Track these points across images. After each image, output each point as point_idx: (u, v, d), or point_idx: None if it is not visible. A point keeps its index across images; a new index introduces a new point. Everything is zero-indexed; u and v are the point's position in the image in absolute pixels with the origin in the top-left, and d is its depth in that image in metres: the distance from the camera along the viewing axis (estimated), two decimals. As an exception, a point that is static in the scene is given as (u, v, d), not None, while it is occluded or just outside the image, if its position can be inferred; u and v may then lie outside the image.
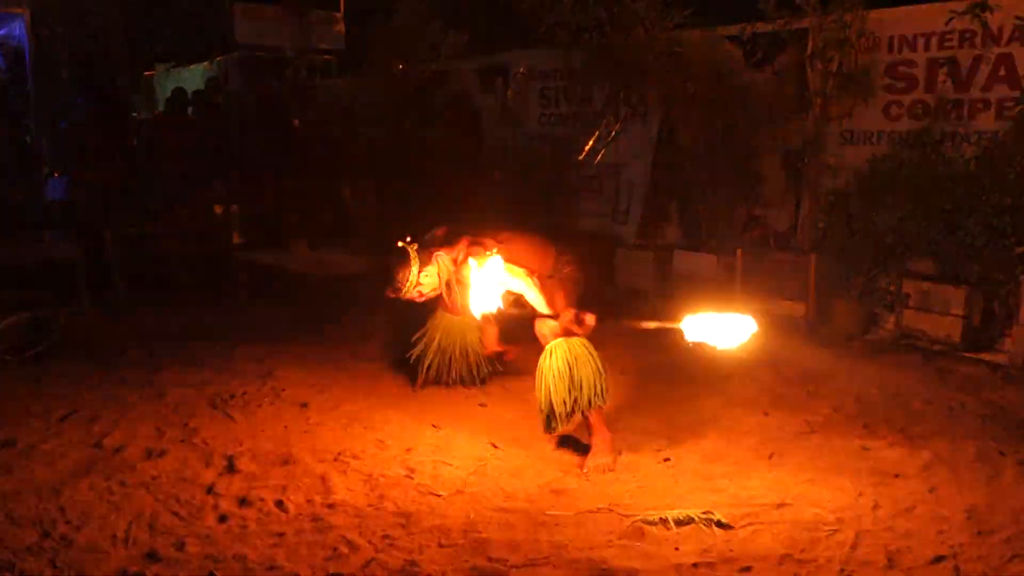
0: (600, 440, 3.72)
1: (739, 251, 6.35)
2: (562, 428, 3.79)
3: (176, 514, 3.20)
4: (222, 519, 3.16)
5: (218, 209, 8.00)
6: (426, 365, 4.64)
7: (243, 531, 3.06)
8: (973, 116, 5.73)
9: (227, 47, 12.13)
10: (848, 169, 6.22)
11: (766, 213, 6.91)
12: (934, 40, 5.91)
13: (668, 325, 3.70)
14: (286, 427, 4.13)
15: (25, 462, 3.71)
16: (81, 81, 8.83)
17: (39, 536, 3.03)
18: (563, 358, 3.71)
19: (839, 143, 6.38)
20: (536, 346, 3.90)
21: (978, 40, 5.69)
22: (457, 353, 4.62)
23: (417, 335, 4.70)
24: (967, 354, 5.17)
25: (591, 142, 7.91)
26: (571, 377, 3.68)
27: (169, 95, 9.22)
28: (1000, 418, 4.19)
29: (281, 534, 3.03)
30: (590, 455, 3.69)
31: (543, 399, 3.75)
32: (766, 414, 4.27)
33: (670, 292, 6.88)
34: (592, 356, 3.76)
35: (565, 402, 3.69)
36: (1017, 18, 5.40)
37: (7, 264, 6.70)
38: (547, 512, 3.21)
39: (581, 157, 7.98)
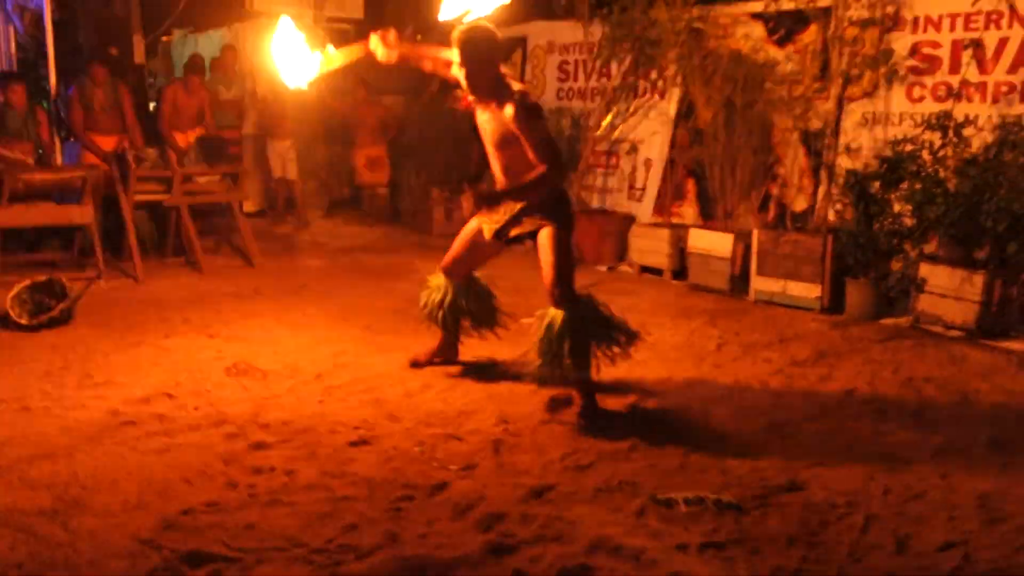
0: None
1: (755, 231, 6.31)
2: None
3: (188, 481, 3.22)
4: (233, 487, 3.17)
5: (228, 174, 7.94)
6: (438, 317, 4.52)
7: (254, 500, 3.07)
8: (997, 99, 5.65)
9: (244, 14, 12.05)
10: (868, 150, 6.17)
11: (784, 193, 6.85)
12: (960, 21, 5.82)
13: None
14: (300, 398, 4.15)
15: (39, 426, 3.74)
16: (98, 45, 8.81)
17: (52, 500, 3.05)
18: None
19: (860, 124, 6.32)
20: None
21: (1004, 22, 5.61)
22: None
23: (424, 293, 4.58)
24: (983, 340, 5.13)
25: (608, 117, 7.86)
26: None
27: (186, 61, 9.17)
28: (1014, 405, 4.16)
29: (293, 504, 3.04)
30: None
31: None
32: (778, 395, 4.26)
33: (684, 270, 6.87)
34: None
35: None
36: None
37: (23, 227, 6.74)
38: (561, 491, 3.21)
39: (598, 132, 7.94)
